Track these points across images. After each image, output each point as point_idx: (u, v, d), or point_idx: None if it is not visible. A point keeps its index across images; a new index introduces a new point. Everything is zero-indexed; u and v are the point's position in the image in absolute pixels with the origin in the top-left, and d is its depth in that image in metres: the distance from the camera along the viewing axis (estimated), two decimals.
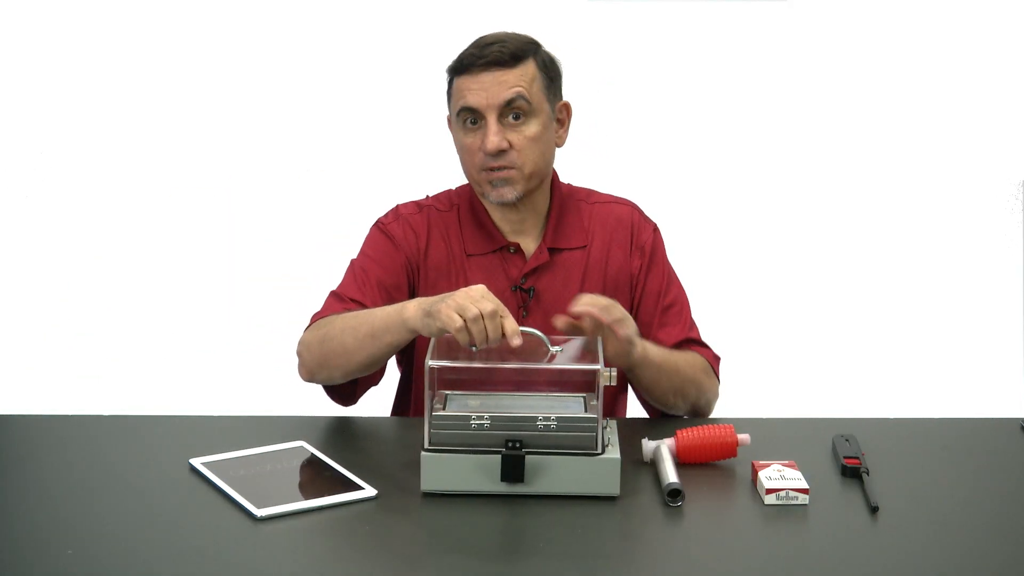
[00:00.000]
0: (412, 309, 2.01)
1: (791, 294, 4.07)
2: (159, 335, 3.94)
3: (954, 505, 1.90)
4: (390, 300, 2.22)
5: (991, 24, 4.03)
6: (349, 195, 3.90)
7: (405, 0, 3.91)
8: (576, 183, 2.39)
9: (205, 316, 3.95)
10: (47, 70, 3.89)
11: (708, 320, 2.44)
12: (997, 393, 3.84)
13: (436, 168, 2.67)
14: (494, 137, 2.18)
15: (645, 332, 2.29)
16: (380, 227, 2.33)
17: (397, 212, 2.34)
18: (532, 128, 2.21)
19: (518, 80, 2.20)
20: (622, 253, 2.32)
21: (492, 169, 2.20)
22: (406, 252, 2.28)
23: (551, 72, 2.26)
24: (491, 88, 2.19)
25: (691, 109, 4.05)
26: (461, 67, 2.22)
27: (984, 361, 4.01)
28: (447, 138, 2.31)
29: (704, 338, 2.36)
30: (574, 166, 2.49)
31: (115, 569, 1.68)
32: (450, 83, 2.27)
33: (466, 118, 2.21)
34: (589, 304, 2.04)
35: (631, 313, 2.28)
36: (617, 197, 2.40)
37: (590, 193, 2.38)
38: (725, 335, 2.57)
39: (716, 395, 2.31)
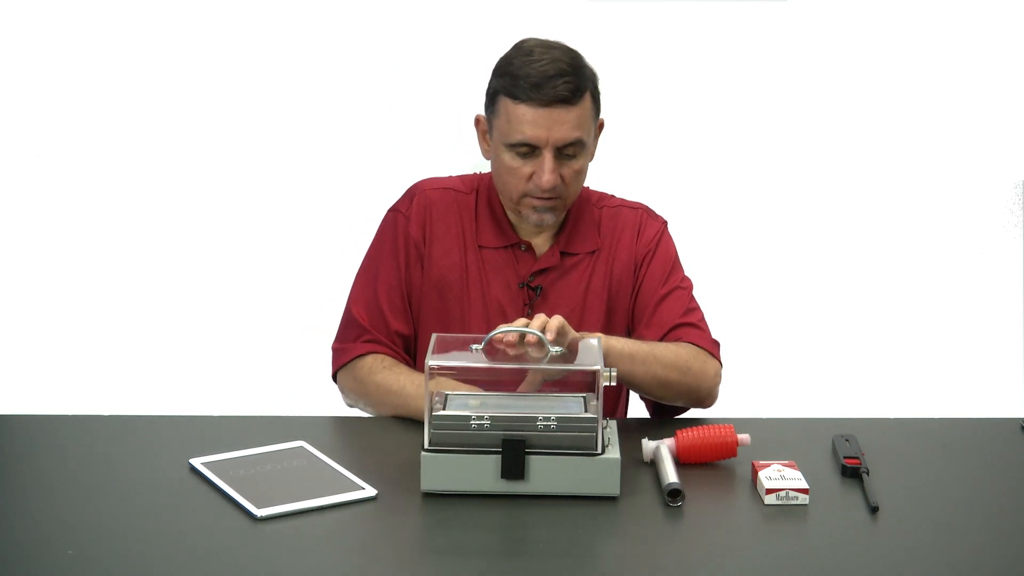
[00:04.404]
0: None
1: (791, 294, 4.06)
2: (159, 335, 3.94)
3: (954, 505, 1.90)
4: (406, 305, 2.29)
5: (991, 24, 4.03)
6: (350, 196, 3.90)
7: (407, 1, 3.91)
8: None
9: (205, 316, 3.95)
10: (46, 71, 3.89)
11: (708, 320, 2.44)
12: (997, 393, 3.84)
13: (439, 169, 2.66)
14: (551, 175, 2.17)
15: (638, 321, 2.30)
16: (391, 215, 2.35)
17: (412, 193, 2.35)
18: (580, 162, 2.21)
19: (578, 121, 2.17)
20: (627, 253, 2.33)
21: (537, 197, 2.21)
22: (416, 241, 2.30)
23: (597, 96, 2.24)
24: (553, 127, 2.15)
25: (690, 109, 4.04)
26: (520, 95, 2.16)
27: (984, 361, 4.00)
28: (447, 139, 2.31)
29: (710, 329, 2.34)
30: None
31: (115, 569, 1.68)
32: (496, 98, 2.21)
33: (521, 150, 2.18)
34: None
35: (631, 303, 2.31)
36: (628, 200, 2.40)
37: (601, 197, 2.39)
38: (725, 335, 2.57)
39: (714, 381, 2.25)
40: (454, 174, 2.39)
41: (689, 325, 2.29)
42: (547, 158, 2.17)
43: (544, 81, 2.14)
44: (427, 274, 2.30)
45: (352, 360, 2.27)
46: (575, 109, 2.16)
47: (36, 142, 3.92)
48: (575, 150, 2.19)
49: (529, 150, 2.18)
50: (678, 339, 2.26)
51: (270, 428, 2.10)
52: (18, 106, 3.91)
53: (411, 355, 2.32)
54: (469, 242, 2.30)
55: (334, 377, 2.32)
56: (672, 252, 2.36)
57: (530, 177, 2.19)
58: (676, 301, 2.30)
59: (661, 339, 2.26)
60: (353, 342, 2.29)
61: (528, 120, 2.15)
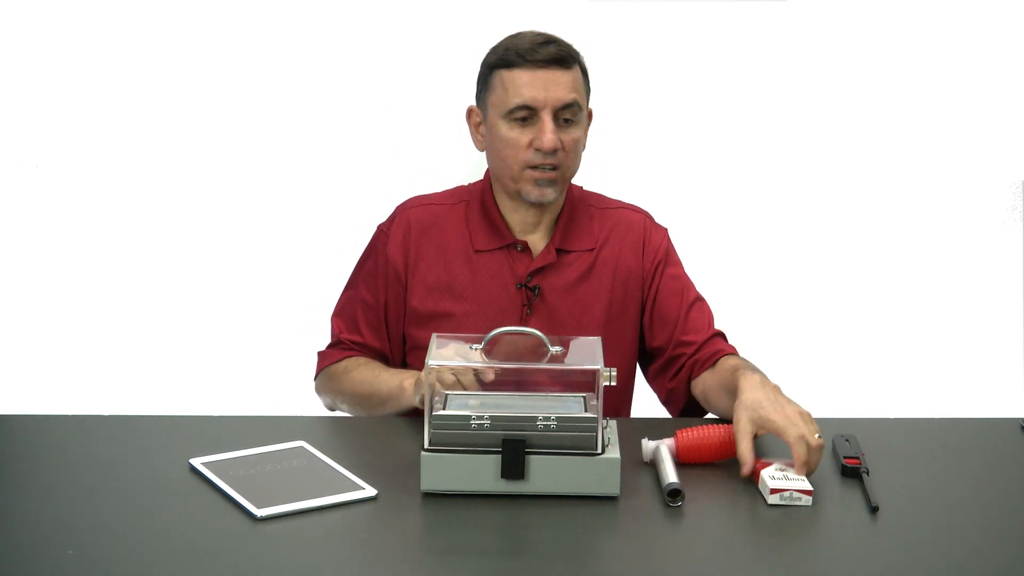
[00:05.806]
0: (409, 389, 2.13)
1: (790, 294, 4.06)
2: (159, 335, 3.94)
3: (954, 505, 1.90)
4: (382, 324, 2.33)
5: (991, 24, 4.03)
6: (350, 196, 3.90)
7: (407, 1, 3.91)
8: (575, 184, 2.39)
9: (205, 317, 3.95)
10: (44, 73, 3.89)
11: None
12: (997, 393, 3.84)
13: (439, 168, 2.67)
14: (552, 135, 2.19)
15: (671, 329, 2.32)
16: (377, 235, 2.37)
17: (395, 214, 2.37)
18: (576, 132, 2.24)
19: (573, 84, 2.22)
20: (633, 256, 2.34)
21: (538, 167, 2.22)
22: (395, 263, 2.32)
23: (587, 77, 2.29)
24: (550, 87, 2.19)
25: (690, 109, 4.04)
26: (515, 61, 2.21)
27: (984, 361, 4.00)
28: (447, 139, 2.31)
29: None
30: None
31: (115, 569, 1.68)
32: (490, 75, 2.25)
33: (519, 115, 2.21)
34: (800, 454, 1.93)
35: (642, 311, 2.34)
36: (627, 203, 2.41)
37: (600, 198, 2.40)
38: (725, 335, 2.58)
39: None
40: (453, 174, 2.40)
41: (722, 336, 2.35)
42: (546, 119, 2.19)
43: (537, 47, 2.20)
44: (412, 291, 2.31)
45: (329, 365, 2.34)
46: (569, 73, 2.22)
47: (37, 139, 3.92)
48: (572, 114, 2.22)
49: (528, 114, 2.20)
50: (718, 350, 2.28)
51: (270, 428, 2.10)
52: (17, 109, 3.91)
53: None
54: (459, 251, 2.30)
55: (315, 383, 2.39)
56: (680, 263, 2.40)
57: (530, 144, 2.21)
58: (701, 312, 2.35)
59: (704, 343, 2.30)
60: (331, 349, 2.37)
61: (525, 83, 2.19)
